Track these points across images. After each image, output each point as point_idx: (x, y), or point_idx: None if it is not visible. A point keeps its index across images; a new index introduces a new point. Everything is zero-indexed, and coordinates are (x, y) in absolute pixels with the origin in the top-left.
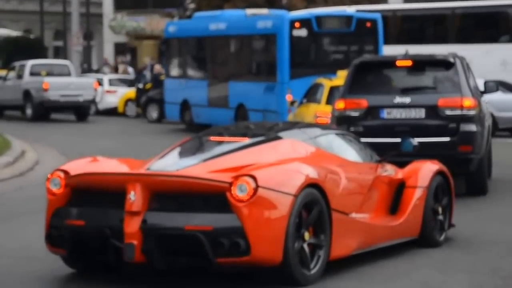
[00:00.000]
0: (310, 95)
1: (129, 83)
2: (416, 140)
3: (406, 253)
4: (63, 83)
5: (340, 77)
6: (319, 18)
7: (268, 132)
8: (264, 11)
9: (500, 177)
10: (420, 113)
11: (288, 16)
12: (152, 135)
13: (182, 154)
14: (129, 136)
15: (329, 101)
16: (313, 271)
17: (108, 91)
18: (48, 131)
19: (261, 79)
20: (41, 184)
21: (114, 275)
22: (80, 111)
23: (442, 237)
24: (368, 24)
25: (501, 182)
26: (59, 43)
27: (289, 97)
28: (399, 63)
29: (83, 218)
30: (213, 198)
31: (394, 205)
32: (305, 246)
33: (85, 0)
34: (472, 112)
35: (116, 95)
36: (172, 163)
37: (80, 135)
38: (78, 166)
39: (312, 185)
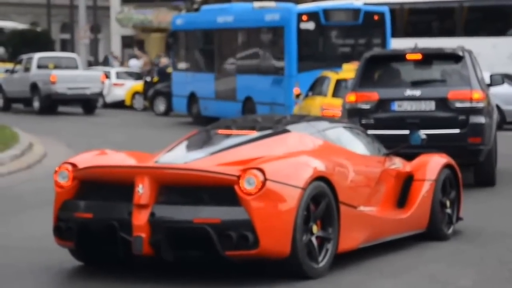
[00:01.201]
0: (316, 88)
1: (136, 76)
2: (423, 133)
3: (414, 247)
4: (71, 76)
5: (346, 70)
6: (326, 11)
7: (276, 125)
8: (271, 4)
9: (508, 169)
10: (431, 106)
11: (296, 9)
12: (159, 128)
13: (190, 147)
14: (137, 129)
15: (335, 94)
16: (321, 264)
17: (115, 84)
18: (55, 124)
19: (269, 72)
20: (48, 177)
21: (121, 268)
22: (88, 104)
23: (450, 230)
24: (376, 17)
25: (509, 175)
26: (66, 36)
27: (296, 90)
28: (409, 56)
29: (91, 210)
30: (221, 191)
31: (402, 198)
32: (313, 239)
33: None
34: (481, 105)
35: (123, 88)
36: (180, 156)
37: (88, 128)
38: (86, 159)
39: (320, 178)
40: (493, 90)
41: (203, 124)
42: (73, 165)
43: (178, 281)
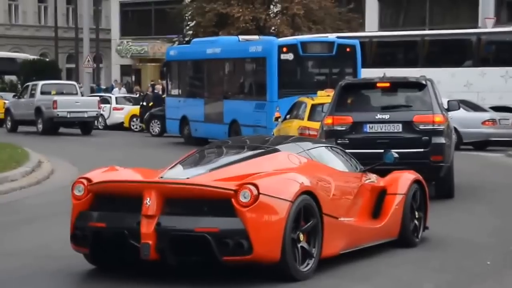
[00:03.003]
0: (293, 111)
1: (134, 101)
2: (395, 153)
3: (383, 254)
4: (71, 101)
5: (320, 96)
6: (304, 44)
7: (266, 145)
8: (255, 37)
9: (465, 184)
10: (398, 128)
11: (277, 42)
12: (154, 147)
13: (191, 164)
14: (134, 148)
15: (311, 117)
16: (306, 268)
17: (115, 108)
18: (60, 144)
19: (252, 97)
20: (56, 191)
21: (131, 271)
22: (85, 126)
23: (418, 238)
24: (348, 49)
25: (466, 189)
26: (72, 65)
27: (277, 114)
28: (378, 84)
29: (104, 220)
30: (220, 203)
31: (376, 209)
32: (300, 246)
33: (95, 27)
34: (441, 127)
35: (122, 112)
36: (182, 173)
37: (90, 148)
38: (99, 174)
39: (306, 192)
40: (452, 114)
41: (194, 144)
42: (88, 180)
43: (179, 282)
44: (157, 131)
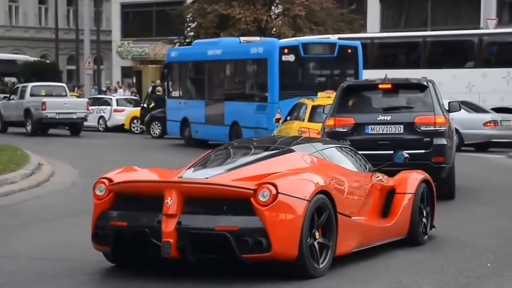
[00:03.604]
0: (294, 113)
1: (135, 103)
2: (406, 153)
3: (382, 256)
4: (59, 102)
5: (320, 98)
6: (305, 45)
7: (281, 146)
8: (256, 38)
9: (466, 186)
10: (400, 129)
11: (278, 43)
12: (155, 149)
13: (208, 165)
14: (135, 150)
15: (311, 118)
16: (322, 265)
17: (116, 110)
18: (59, 147)
19: (253, 99)
20: (56, 193)
21: (149, 269)
22: (74, 126)
23: (426, 237)
24: (349, 51)
25: (467, 190)
26: (73, 67)
27: (278, 116)
28: (380, 86)
29: (125, 219)
30: (239, 202)
31: (385, 208)
32: (316, 244)
33: (96, 28)
34: (443, 128)
35: (123, 113)
36: (200, 173)
37: (90, 150)
38: (120, 175)
39: (321, 191)
40: (453, 115)
41: (194, 146)
42: (109, 180)
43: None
44: (157, 133)
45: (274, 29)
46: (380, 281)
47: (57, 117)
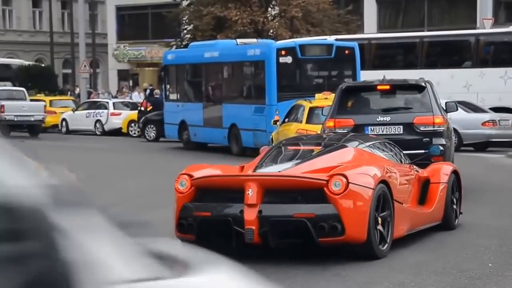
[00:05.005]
0: (292, 115)
1: (132, 106)
2: (440, 145)
3: (384, 258)
4: (18, 105)
5: (318, 99)
6: (302, 46)
7: (334, 141)
8: (253, 40)
9: (466, 186)
10: (399, 129)
11: (275, 45)
12: (150, 152)
13: (274, 161)
14: (129, 154)
15: (309, 120)
16: (384, 247)
17: (113, 114)
18: (54, 151)
19: (251, 101)
20: None
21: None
22: (32, 128)
23: (456, 221)
24: (347, 52)
25: (466, 190)
26: (68, 71)
27: (276, 117)
28: (379, 87)
29: (208, 210)
30: (313, 192)
31: (422, 196)
32: (379, 227)
33: (91, 31)
34: (442, 128)
35: (120, 117)
36: (272, 167)
37: (85, 153)
38: (198, 170)
39: (382, 181)
40: (452, 115)
41: (193, 149)
42: (189, 175)
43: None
44: (152, 136)
45: (271, 31)
46: (382, 283)
47: (15, 119)
